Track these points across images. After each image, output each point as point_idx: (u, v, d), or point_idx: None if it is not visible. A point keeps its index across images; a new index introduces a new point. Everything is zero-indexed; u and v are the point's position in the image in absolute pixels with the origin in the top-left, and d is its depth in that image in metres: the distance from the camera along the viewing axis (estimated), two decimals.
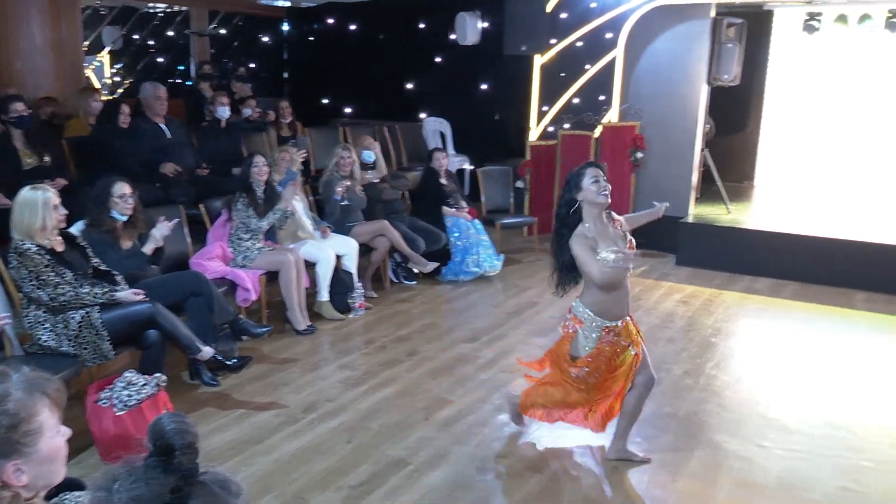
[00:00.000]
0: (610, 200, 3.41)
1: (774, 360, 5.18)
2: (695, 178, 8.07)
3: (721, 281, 7.03)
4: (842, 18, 8.97)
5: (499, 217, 7.77)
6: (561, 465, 3.69)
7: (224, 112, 7.07)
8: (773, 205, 8.81)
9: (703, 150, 8.20)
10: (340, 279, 5.84)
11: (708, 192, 8.55)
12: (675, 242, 7.70)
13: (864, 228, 7.25)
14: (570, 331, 3.50)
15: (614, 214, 3.56)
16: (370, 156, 6.89)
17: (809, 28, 9.09)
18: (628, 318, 3.52)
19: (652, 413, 4.25)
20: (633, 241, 3.54)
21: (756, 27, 9.18)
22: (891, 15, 8.53)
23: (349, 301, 5.85)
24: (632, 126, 8.02)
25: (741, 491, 3.47)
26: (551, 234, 3.60)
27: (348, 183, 6.31)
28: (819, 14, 8.99)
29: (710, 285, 6.90)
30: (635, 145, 7.96)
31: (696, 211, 8.08)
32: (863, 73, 9.24)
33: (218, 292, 4.64)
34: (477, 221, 7.07)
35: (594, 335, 3.42)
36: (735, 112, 9.72)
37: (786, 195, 9.18)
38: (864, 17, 8.83)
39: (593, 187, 3.34)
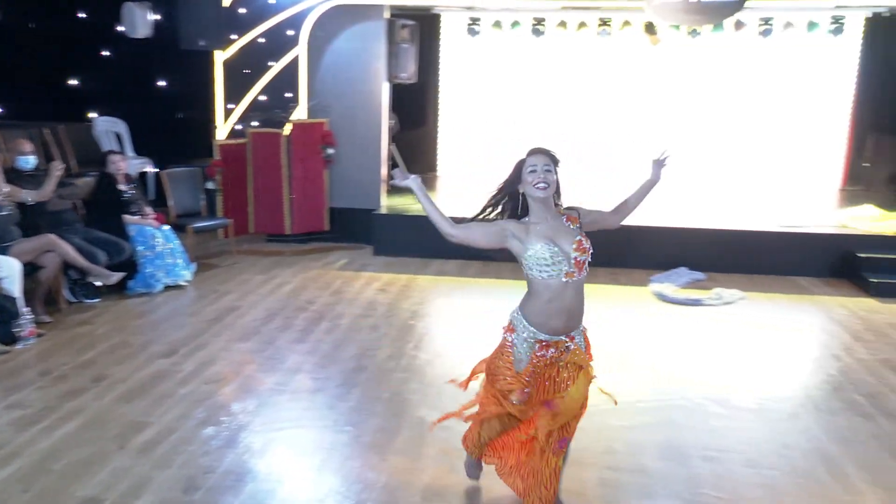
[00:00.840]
0: (548, 194, 2.88)
1: (466, 333, 5.68)
2: (384, 171, 8.47)
3: (415, 267, 7.49)
4: (497, 24, 10.12)
5: (190, 221, 7.35)
6: (274, 468, 3.63)
7: None
8: (455, 192, 9.61)
9: (389, 144, 8.64)
10: (1, 306, 5.03)
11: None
12: (371, 234, 8.02)
13: None
14: (503, 337, 3.06)
15: (573, 207, 3.03)
16: (27, 161, 6.04)
17: (472, 31, 10.09)
18: (575, 338, 2.99)
19: (359, 399, 4.40)
20: (585, 241, 2.91)
21: (427, 29, 9.91)
22: (535, 22, 9.84)
23: (14, 330, 5.07)
24: (321, 123, 8.14)
25: (445, 458, 3.75)
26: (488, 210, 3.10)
27: (7, 189, 5.46)
28: (479, 19, 10.03)
29: (406, 271, 7.33)
30: (325, 141, 8.09)
31: (387, 202, 8.49)
32: (519, 70, 10.49)
33: None
34: (165, 227, 6.61)
35: (525, 347, 2.96)
36: (416, 108, 10.40)
37: (465, 183, 10.08)
38: (515, 24, 10.06)
39: (529, 178, 2.89)
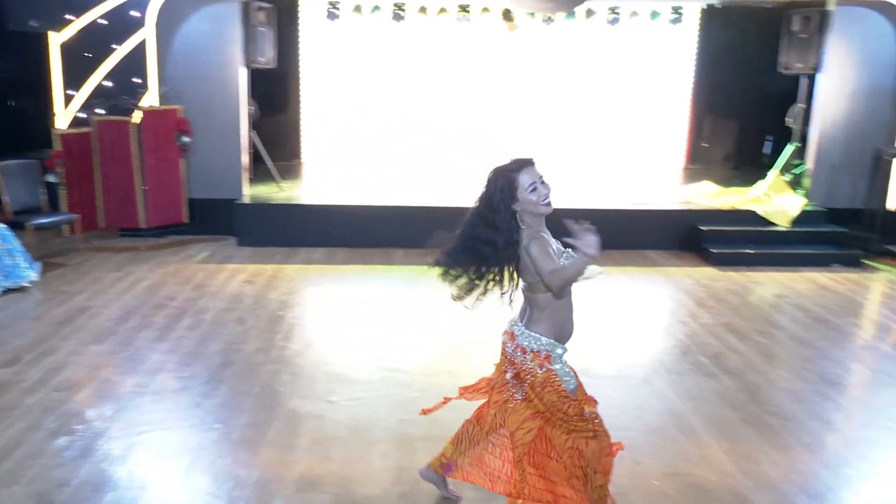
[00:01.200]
0: (553, 208, 2.72)
1: (336, 321, 5.64)
2: (245, 159, 8.18)
3: (282, 256, 7.31)
4: (357, 9, 10.00)
5: (29, 217, 6.76)
6: (137, 474, 3.44)
7: None
8: (320, 179, 9.46)
9: (250, 131, 8.35)
10: None
11: (259, 172, 8.77)
12: (233, 224, 7.74)
13: (398, 194, 8.28)
14: (542, 371, 2.74)
15: None
16: None
17: (331, 16, 9.92)
18: None
19: (227, 395, 4.26)
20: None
21: (285, 13, 9.63)
22: (396, 7, 9.83)
23: None
24: (174, 110, 7.73)
25: (317, 448, 3.71)
26: (467, 254, 2.78)
27: None
28: (338, 3, 9.87)
29: (272, 262, 7.14)
30: (180, 129, 7.70)
31: (250, 191, 8.22)
32: (381, 56, 10.44)
33: None
34: (0, 226, 6.05)
35: (561, 364, 2.77)
36: (276, 94, 10.11)
37: (330, 169, 9.96)
38: (376, 8, 9.99)
39: (532, 197, 2.68)
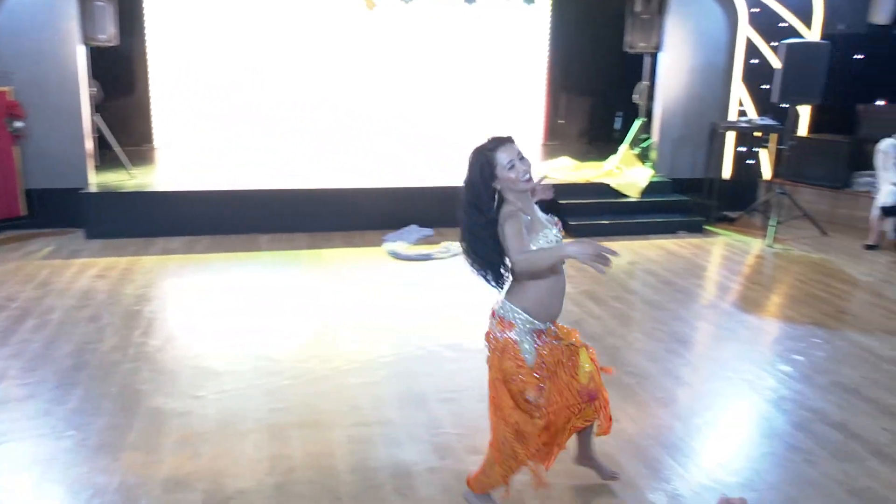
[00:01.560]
0: (533, 183, 2.74)
1: (200, 312, 5.41)
2: (89, 144, 7.61)
3: (136, 247, 6.90)
4: None
5: None
6: (19, 485, 3.16)
7: None
8: (176, 164, 8.96)
9: (93, 114, 7.77)
10: None
11: (107, 158, 8.19)
12: (80, 215, 7.20)
13: (261, 177, 8.01)
14: (501, 337, 2.76)
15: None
16: None
17: None
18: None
19: (81, 399, 3.99)
20: (559, 221, 2.90)
21: None
22: None
23: None
24: (2, 92, 7.04)
25: (184, 445, 3.56)
26: (463, 240, 2.80)
27: None
28: None
29: (126, 254, 6.72)
30: (11, 114, 7.03)
31: (97, 179, 7.67)
32: (233, 30, 9.98)
33: None
34: None
35: (528, 339, 2.77)
36: (121, 74, 9.45)
37: (187, 153, 9.46)
38: None
39: (511, 174, 2.68)
